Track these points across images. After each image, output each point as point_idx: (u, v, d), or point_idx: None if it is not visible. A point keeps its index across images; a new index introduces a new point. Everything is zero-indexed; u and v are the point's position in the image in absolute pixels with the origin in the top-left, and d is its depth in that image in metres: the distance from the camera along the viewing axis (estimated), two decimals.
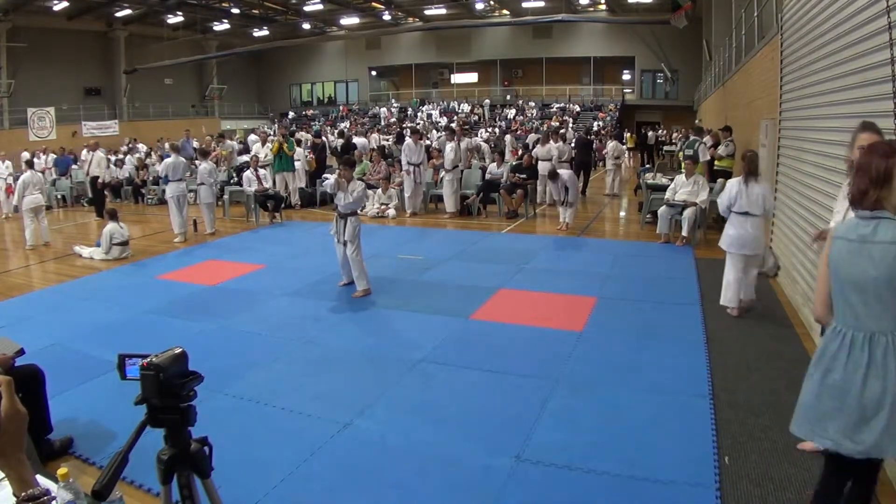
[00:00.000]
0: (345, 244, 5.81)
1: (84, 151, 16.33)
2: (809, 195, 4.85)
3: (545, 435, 3.17)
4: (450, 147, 10.39)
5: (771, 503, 2.57)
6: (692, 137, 10.19)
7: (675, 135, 19.84)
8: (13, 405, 1.25)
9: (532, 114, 29.64)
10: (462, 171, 10.78)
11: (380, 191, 10.89)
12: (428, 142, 14.25)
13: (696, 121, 20.33)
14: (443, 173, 10.52)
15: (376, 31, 31.50)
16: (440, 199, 11.00)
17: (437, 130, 20.78)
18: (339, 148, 14.97)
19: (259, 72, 36.90)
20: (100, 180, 11.63)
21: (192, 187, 10.18)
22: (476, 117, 29.57)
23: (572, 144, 13.13)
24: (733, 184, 4.94)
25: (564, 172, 9.06)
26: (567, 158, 11.52)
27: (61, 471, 1.76)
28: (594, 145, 16.34)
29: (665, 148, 19.66)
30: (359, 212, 5.98)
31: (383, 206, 10.68)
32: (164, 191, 12.65)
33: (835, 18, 4.27)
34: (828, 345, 2.00)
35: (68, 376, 3.91)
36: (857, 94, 3.78)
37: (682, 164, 8.40)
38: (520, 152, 13.06)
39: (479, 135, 20.38)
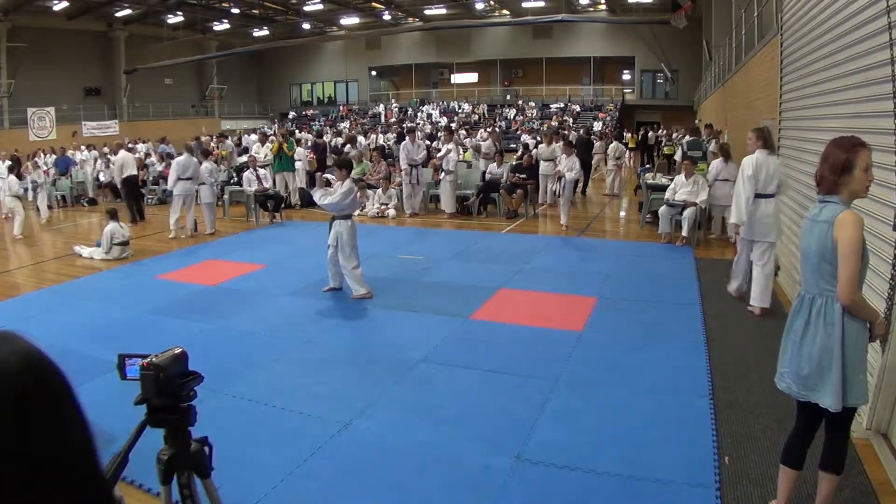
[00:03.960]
0: (330, 248, 5.66)
1: (85, 153, 16.39)
2: (809, 195, 4.84)
3: (545, 435, 3.17)
4: (447, 148, 10.39)
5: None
6: (690, 138, 10.20)
7: (675, 135, 19.82)
8: None
9: (532, 114, 29.64)
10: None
11: (380, 191, 10.88)
12: (428, 142, 14.26)
13: (696, 121, 20.33)
14: (442, 174, 10.49)
15: (376, 31, 31.50)
16: (441, 199, 10.99)
17: (439, 131, 20.77)
18: (338, 146, 14.97)
19: (259, 72, 36.89)
20: (103, 179, 11.52)
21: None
22: (476, 117, 29.59)
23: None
24: (717, 163, 7.72)
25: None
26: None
27: None
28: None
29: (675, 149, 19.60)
30: (356, 213, 5.87)
31: (383, 207, 10.68)
32: (164, 191, 12.70)
33: (835, 18, 4.27)
34: (793, 305, 2.37)
35: (68, 376, 3.89)
36: (857, 94, 3.77)
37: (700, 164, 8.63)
38: (520, 152, 13.06)
39: (478, 135, 20.38)
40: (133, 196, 10.86)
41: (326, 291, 5.89)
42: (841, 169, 2.16)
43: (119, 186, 11.44)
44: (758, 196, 4.93)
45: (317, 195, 5.63)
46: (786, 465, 2.39)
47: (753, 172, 4.88)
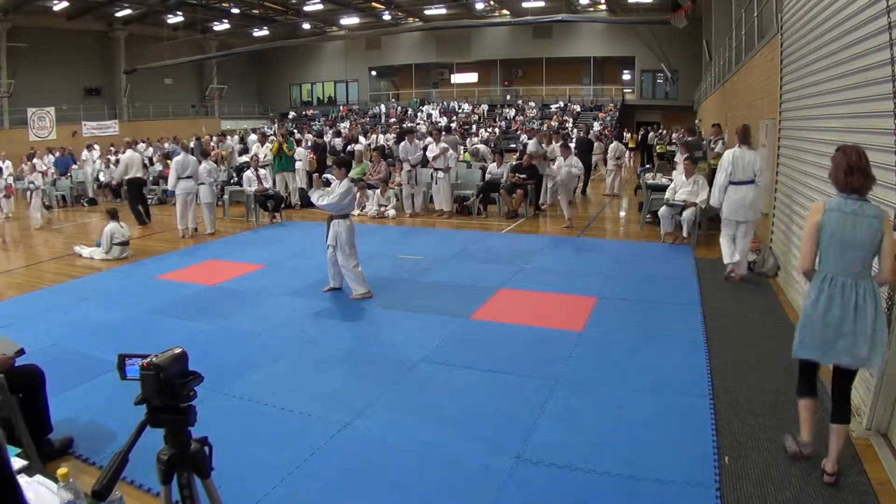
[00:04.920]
0: (329, 248, 5.69)
1: (84, 152, 16.40)
2: (809, 195, 4.85)
3: (545, 435, 3.17)
4: (441, 147, 10.39)
5: (771, 503, 2.57)
6: (689, 138, 10.22)
7: (674, 135, 19.77)
8: None
9: (532, 114, 29.65)
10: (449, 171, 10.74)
11: (378, 192, 10.84)
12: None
13: (696, 121, 20.32)
14: (441, 174, 10.46)
15: (376, 31, 31.49)
16: (434, 198, 10.96)
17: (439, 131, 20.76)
18: (335, 147, 14.97)
19: (259, 72, 36.88)
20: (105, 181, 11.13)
21: None
22: (476, 117, 29.61)
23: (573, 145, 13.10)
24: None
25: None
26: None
27: (61, 471, 1.76)
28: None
29: (667, 148, 19.59)
30: (357, 213, 5.86)
31: (382, 208, 10.66)
32: (164, 191, 12.70)
33: (835, 18, 4.27)
34: (823, 288, 2.66)
35: (68, 376, 3.90)
36: (857, 94, 3.78)
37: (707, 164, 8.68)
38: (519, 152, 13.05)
39: (478, 135, 20.39)
40: (136, 198, 10.49)
41: (326, 291, 5.89)
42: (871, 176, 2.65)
43: (123, 187, 11.01)
44: (739, 183, 5.84)
45: (314, 196, 5.62)
46: (807, 397, 2.81)
47: (727, 165, 5.86)
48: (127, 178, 10.40)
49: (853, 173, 2.62)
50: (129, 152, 10.81)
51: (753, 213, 5.93)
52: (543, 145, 11.45)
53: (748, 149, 5.93)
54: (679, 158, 9.63)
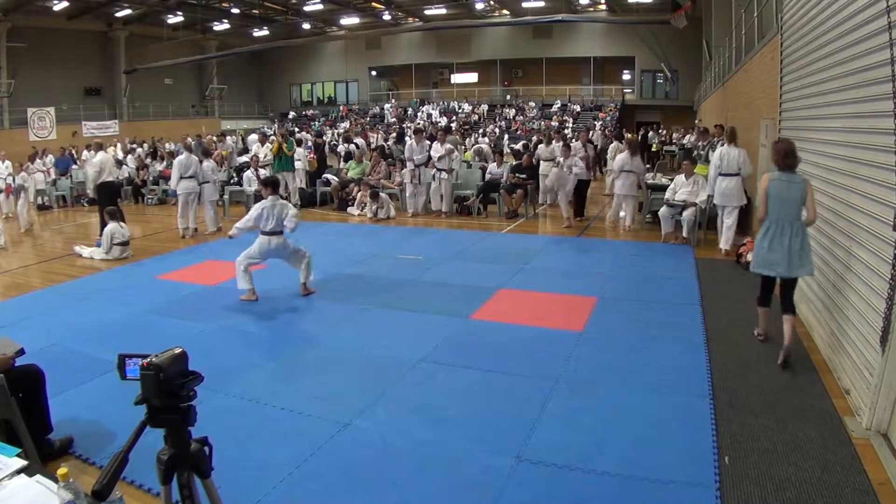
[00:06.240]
0: (256, 260, 5.77)
1: (84, 152, 16.39)
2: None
3: (545, 435, 3.17)
4: (447, 147, 10.38)
5: (771, 503, 2.57)
6: (703, 141, 10.22)
7: (675, 135, 19.75)
8: None
9: (532, 114, 29.65)
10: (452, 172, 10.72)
11: (368, 203, 10.54)
12: (428, 142, 14.26)
13: (697, 121, 20.32)
14: (444, 174, 10.44)
15: (376, 31, 31.51)
16: (432, 198, 10.91)
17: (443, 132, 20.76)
18: (333, 146, 14.96)
19: (259, 72, 36.90)
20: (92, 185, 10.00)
21: None
22: (476, 117, 29.62)
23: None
24: (623, 156, 8.88)
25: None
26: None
27: (61, 471, 1.76)
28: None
29: (665, 148, 19.57)
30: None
31: (380, 210, 10.61)
32: (164, 191, 12.71)
33: (835, 18, 4.27)
34: (770, 227, 3.98)
35: (68, 376, 3.90)
36: (857, 94, 3.77)
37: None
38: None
39: (485, 134, 20.36)
40: (108, 204, 8.63)
41: (306, 295, 5.87)
42: (797, 158, 4.01)
43: (91, 194, 9.59)
44: (726, 175, 7.12)
45: (239, 223, 5.86)
46: (763, 306, 4.27)
47: (717, 161, 7.21)
48: (98, 182, 8.98)
49: (789, 157, 3.94)
50: (100, 155, 9.48)
51: (738, 199, 7.18)
52: (543, 146, 11.45)
53: (734, 147, 7.20)
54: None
